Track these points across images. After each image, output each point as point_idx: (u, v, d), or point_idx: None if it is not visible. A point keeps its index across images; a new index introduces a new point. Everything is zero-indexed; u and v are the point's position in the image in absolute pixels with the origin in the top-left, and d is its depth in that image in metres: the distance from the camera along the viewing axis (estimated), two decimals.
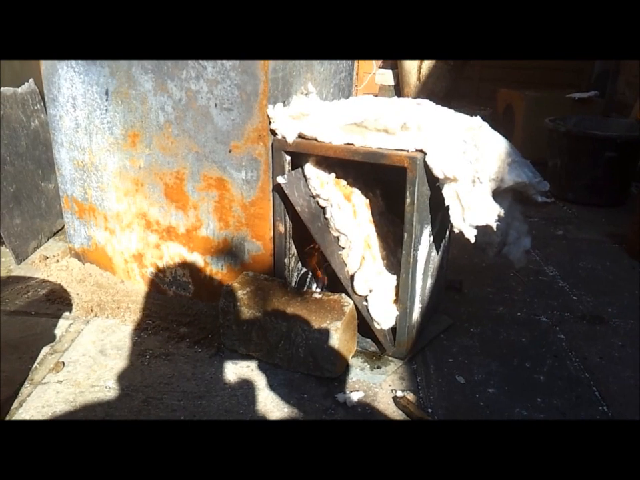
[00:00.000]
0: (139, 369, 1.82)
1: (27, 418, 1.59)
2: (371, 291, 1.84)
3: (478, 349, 1.98)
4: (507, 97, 4.46)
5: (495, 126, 1.83)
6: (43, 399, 1.67)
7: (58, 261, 2.46)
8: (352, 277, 1.84)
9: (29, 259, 2.51)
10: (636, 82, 4.27)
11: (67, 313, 2.10)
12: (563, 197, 3.52)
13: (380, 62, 4.75)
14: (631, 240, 2.82)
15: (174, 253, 2.15)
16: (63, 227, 2.68)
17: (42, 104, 2.66)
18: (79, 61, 2.01)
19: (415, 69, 4.21)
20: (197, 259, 2.12)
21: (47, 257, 2.49)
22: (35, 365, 1.83)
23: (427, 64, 4.16)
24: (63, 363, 1.83)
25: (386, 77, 4.68)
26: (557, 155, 3.57)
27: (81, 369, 1.81)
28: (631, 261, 2.72)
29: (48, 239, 2.70)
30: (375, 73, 4.77)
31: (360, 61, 4.83)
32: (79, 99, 2.08)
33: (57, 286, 2.25)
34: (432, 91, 4.18)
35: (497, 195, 1.75)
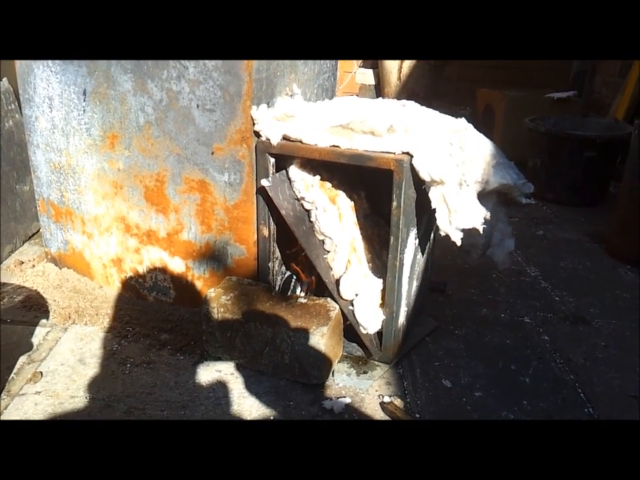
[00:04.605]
0: (119, 378, 1.77)
1: None
2: (356, 295, 1.81)
3: (463, 352, 1.98)
4: (486, 97, 4.47)
5: (475, 126, 1.82)
6: (20, 411, 1.62)
7: (34, 265, 2.38)
8: (338, 281, 1.82)
9: (3, 263, 2.43)
10: (612, 81, 4.32)
11: (44, 320, 2.04)
12: (543, 197, 3.54)
13: (360, 61, 4.72)
14: (610, 239, 2.85)
15: (154, 258, 2.10)
16: (38, 231, 2.60)
17: (16, 104, 2.58)
18: (56, 60, 1.94)
19: (396, 69, 4.21)
20: (179, 263, 2.07)
21: (23, 262, 2.42)
22: (12, 375, 1.77)
23: (408, 63, 4.15)
24: (41, 372, 1.78)
25: (366, 76, 4.66)
26: (536, 155, 3.59)
27: (59, 379, 1.76)
28: (611, 260, 2.75)
29: (23, 243, 2.62)
30: (356, 72, 4.75)
31: (340, 60, 4.80)
32: (55, 100, 2.01)
33: (33, 292, 2.19)
34: (412, 90, 4.18)
35: (482, 197, 1.74)
